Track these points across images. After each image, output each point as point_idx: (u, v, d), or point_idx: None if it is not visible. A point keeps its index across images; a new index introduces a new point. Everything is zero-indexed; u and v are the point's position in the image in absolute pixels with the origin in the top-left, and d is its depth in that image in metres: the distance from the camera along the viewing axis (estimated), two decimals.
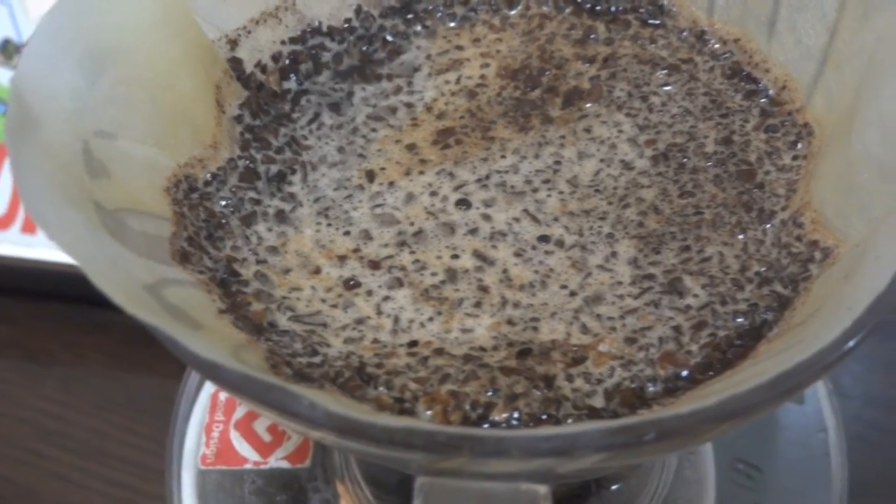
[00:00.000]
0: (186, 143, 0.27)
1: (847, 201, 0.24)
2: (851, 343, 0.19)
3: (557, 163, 0.29)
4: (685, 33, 0.31)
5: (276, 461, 0.34)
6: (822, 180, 0.26)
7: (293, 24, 0.31)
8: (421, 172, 0.28)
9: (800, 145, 0.28)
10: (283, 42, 0.31)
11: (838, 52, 0.27)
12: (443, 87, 0.31)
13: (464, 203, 0.28)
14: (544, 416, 0.22)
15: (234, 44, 0.30)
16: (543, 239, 0.27)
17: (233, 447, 0.35)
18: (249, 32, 0.30)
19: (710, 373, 0.23)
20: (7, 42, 0.51)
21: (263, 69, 0.30)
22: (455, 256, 0.26)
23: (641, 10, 0.32)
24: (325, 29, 0.31)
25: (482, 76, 0.31)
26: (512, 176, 0.28)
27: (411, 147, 0.29)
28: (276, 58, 0.31)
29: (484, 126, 0.30)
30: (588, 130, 0.29)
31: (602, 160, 0.28)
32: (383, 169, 0.29)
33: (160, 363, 0.47)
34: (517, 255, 0.26)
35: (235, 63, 0.30)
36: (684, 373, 0.23)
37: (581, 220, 0.27)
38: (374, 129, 0.30)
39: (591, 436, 0.18)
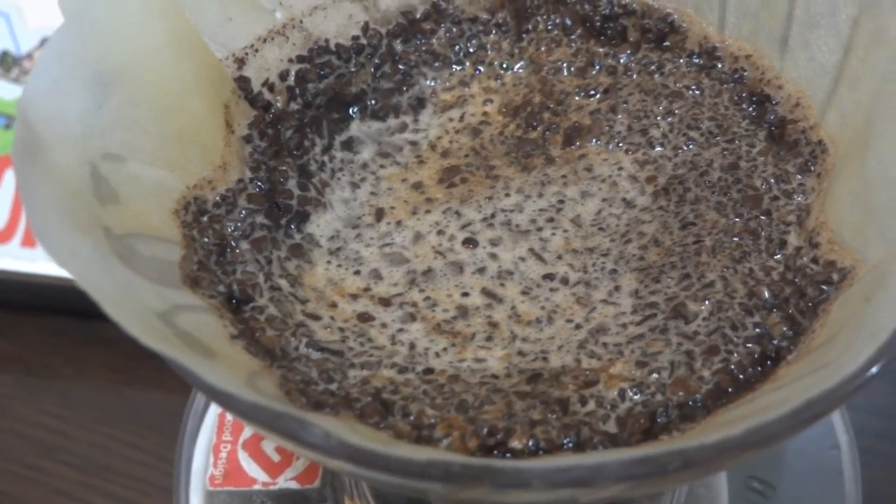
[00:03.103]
0: (196, 165, 0.27)
1: (865, 222, 0.24)
2: (875, 369, 0.19)
3: (560, 202, 0.29)
4: (694, 57, 0.31)
5: (286, 481, 0.34)
6: (837, 200, 0.26)
7: (300, 41, 0.31)
8: (427, 211, 0.29)
9: (812, 166, 0.28)
10: (290, 60, 0.31)
11: (852, 68, 0.27)
12: (447, 124, 0.31)
13: (471, 242, 0.28)
14: (565, 443, 0.22)
15: (241, 62, 0.30)
16: (549, 277, 0.27)
17: (241, 467, 0.34)
18: (257, 51, 0.30)
19: (725, 398, 0.23)
20: (5, 54, 0.51)
21: (271, 88, 0.30)
22: (465, 294, 0.26)
23: (650, 31, 0.32)
24: (332, 47, 0.31)
25: (485, 113, 0.31)
26: (517, 215, 0.28)
27: (417, 185, 0.30)
28: (283, 76, 0.30)
29: (488, 165, 0.30)
30: (589, 170, 0.29)
31: (604, 199, 0.29)
32: (392, 208, 0.29)
33: (162, 377, 0.46)
34: (524, 293, 0.26)
35: (243, 82, 0.30)
36: (697, 398, 0.23)
37: (585, 257, 0.27)
38: (381, 166, 0.30)
39: (613, 466, 0.18)
